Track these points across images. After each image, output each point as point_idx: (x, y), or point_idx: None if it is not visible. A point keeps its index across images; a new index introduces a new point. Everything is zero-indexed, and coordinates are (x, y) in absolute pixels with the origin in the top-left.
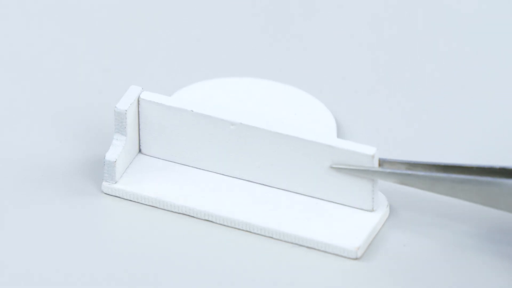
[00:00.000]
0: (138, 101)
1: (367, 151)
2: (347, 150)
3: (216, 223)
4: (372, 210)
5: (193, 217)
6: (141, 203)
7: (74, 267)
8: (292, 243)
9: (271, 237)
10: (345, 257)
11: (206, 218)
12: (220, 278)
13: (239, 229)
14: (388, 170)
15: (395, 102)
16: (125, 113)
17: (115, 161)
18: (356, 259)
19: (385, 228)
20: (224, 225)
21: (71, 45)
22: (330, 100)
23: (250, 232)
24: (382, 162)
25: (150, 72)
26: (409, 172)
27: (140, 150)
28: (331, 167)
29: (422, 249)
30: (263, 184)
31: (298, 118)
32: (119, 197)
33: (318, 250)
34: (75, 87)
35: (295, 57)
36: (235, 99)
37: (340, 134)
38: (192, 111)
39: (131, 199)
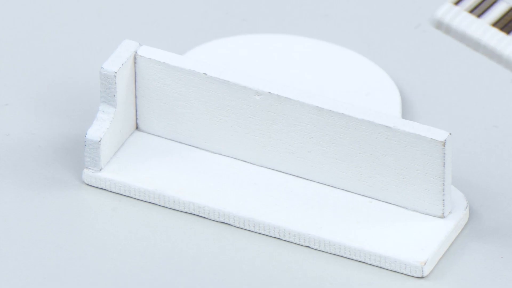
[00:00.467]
0: (135, 59)
1: (438, 136)
2: (412, 134)
3: (234, 226)
4: (442, 217)
5: (204, 217)
6: (134, 198)
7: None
8: (338, 255)
9: (308, 246)
10: (407, 275)
11: (221, 219)
12: None
13: (264, 234)
14: None
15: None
16: (114, 76)
17: (100, 141)
18: (421, 277)
19: (462, 237)
20: (244, 229)
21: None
22: (391, 66)
23: (279, 238)
24: None
25: (158, 30)
26: None
27: (137, 127)
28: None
29: (509, 265)
30: (297, 176)
31: (349, 89)
32: (105, 189)
33: (372, 265)
34: (59, 52)
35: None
36: (265, 61)
37: (406, 111)
38: (205, 74)
39: (120, 192)
